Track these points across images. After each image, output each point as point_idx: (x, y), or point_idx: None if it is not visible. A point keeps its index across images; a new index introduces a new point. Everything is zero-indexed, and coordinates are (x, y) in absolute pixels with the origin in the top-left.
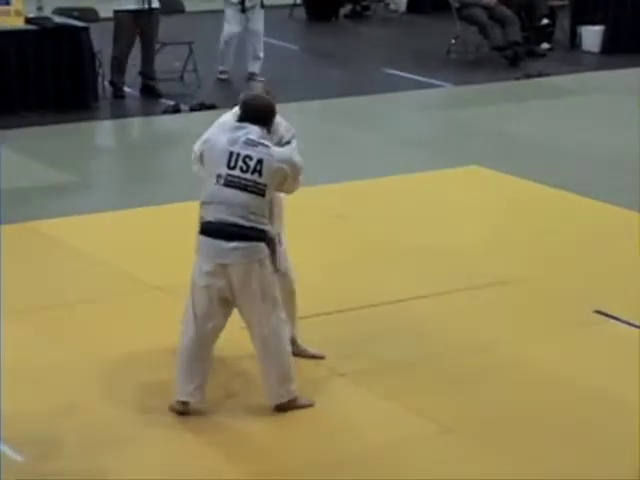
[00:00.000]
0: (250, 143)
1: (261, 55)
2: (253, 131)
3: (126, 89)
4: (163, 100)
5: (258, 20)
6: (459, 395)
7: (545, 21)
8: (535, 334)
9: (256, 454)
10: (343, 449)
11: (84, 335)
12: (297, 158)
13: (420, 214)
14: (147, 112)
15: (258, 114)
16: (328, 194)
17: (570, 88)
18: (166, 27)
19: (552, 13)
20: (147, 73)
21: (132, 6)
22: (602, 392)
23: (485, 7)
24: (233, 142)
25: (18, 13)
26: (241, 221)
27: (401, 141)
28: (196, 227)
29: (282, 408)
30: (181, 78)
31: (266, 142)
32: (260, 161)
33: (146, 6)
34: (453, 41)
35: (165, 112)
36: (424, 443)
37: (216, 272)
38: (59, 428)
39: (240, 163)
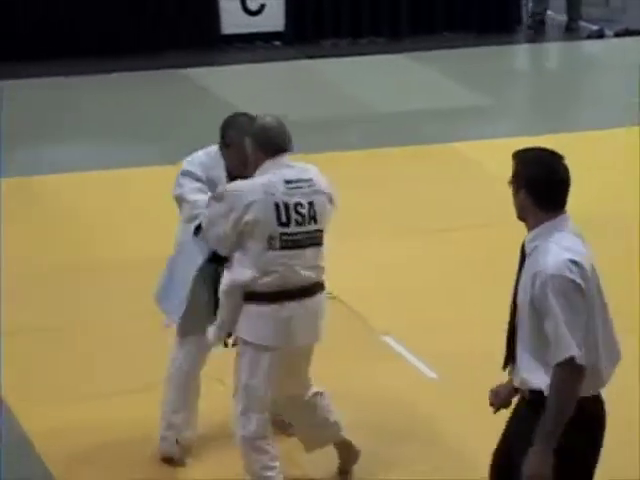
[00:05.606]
0: None
1: None
2: None
3: (549, 13)
4: (585, 24)
5: None
6: None
7: None
8: None
9: None
10: None
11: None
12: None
13: None
14: (569, 37)
15: None
16: None
17: None
18: None
19: None
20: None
21: None
22: None
23: None
24: None
25: None
26: None
27: None
28: None
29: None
30: (606, 2)
31: None
32: None
33: None
34: None
35: (589, 37)
36: None
37: None
38: None
39: None
